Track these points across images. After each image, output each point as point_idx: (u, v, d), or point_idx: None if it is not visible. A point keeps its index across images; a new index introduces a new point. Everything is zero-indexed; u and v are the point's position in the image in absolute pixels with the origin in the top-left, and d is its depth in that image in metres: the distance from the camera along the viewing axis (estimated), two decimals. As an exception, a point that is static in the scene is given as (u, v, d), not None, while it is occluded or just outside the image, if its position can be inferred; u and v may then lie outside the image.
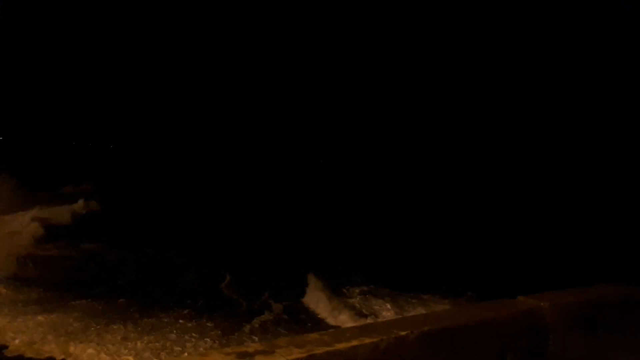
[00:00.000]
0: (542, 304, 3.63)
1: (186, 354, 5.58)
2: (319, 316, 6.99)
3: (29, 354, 5.69)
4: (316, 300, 7.33)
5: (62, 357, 5.69)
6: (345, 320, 6.35)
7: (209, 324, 6.52)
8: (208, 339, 6.08)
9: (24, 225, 11.70)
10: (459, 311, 3.52)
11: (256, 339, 5.99)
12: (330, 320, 6.71)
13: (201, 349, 5.66)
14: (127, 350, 5.79)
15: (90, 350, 5.73)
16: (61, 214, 13.12)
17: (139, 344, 5.92)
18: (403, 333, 3.17)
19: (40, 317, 6.51)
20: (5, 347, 5.83)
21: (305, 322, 6.90)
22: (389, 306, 6.92)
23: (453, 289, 7.41)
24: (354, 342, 3.07)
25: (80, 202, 14.09)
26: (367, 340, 3.10)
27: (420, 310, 6.05)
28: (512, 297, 3.78)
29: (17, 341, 5.89)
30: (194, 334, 6.19)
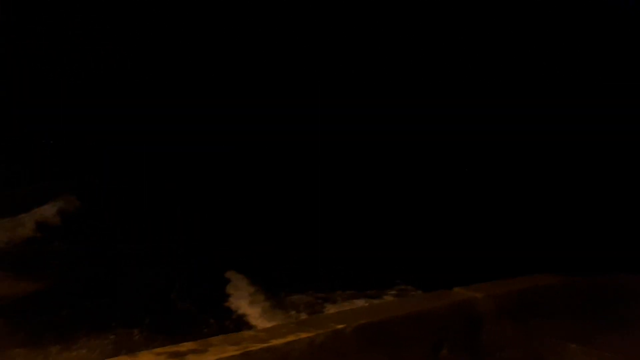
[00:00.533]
0: (477, 294, 3.73)
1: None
2: (259, 321, 6.84)
3: None
4: (259, 306, 7.25)
5: None
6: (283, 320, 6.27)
7: (151, 335, 6.11)
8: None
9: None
10: (397, 303, 3.58)
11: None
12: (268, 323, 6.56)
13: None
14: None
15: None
16: (36, 212, 12.39)
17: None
18: (340, 327, 3.20)
19: None
20: None
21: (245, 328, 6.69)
22: (329, 305, 6.87)
23: (395, 285, 7.46)
24: (290, 338, 3.08)
25: (58, 201, 13.33)
26: (303, 335, 3.10)
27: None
28: (449, 289, 3.87)
29: None
30: (127, 345, 5.67)
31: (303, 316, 6.66)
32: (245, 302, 7.51)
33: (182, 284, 8.25)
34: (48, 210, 12.88)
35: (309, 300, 7.53)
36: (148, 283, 8.33)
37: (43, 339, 5.60)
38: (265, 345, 2.98)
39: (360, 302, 6.97)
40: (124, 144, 15.93)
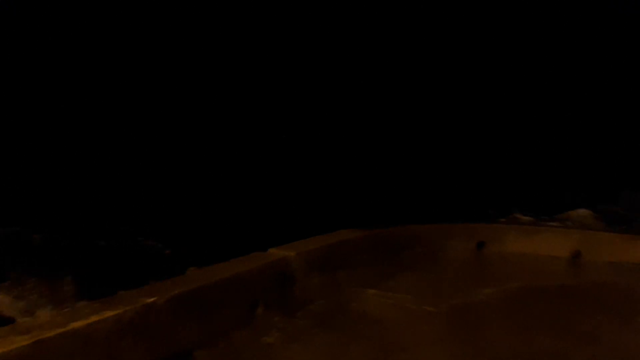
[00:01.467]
0: (289, 253, 3.91)
1: None
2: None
3: None
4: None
5: None
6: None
7: None
8: None
9: None
10: (212, 270, 3.55)
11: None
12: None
13: None
14: None
15: None
16: None
17: None
18: (150, 300, 3.04)
19: None
20: None
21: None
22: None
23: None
24: (94, 318, 2.81)
25: None
26: (109, 314, 2.87)
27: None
28: (265, 251, 3.97)
29: None
30: None
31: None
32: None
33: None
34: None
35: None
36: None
37: None
38: (63, 330, 2.68)
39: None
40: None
